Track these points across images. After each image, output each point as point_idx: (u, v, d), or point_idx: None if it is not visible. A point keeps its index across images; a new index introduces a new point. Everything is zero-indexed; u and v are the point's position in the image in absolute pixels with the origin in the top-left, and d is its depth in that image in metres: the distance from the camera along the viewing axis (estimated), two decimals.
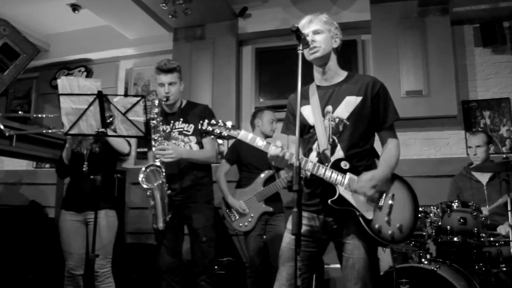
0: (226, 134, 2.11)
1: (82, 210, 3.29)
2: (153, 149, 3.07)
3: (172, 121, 3.29)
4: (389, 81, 4.04)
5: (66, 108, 2.80)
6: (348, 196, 2.12)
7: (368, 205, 2.13)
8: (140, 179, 3.01)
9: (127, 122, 2.84)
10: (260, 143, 2.10)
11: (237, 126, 2.12)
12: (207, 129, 2.12)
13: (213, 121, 2.12)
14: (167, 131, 3.24)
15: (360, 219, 2.10)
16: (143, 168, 3.04)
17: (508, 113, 4.66)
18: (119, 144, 3.33)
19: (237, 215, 3.93)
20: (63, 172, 3.48)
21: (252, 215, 3.89)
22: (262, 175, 3.94)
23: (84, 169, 3.23)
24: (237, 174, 4.15)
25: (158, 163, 3.03)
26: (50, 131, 3.89)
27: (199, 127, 2.15)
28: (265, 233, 3.93)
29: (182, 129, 3.27)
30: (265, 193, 3.89)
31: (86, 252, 3.28)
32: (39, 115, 3.92)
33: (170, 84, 3.21)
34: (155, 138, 3.08)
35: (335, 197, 2.11)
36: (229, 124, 2.13)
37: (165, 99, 3.21)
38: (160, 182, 3.00)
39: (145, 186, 2.99)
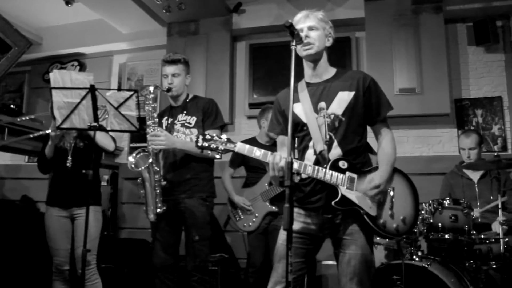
0: (222, 148, 2.10)
1: (68, 206, 3.27)
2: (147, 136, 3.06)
3: (176, 114, 3.27)
4: (382, 78, 4.05)
5: (58, 101, 2.77)
6: (350, 195, 2.12)
7: (371, 201, 2.14)
8: (129, 164, 3.02)
9: (119, 116, 2.83)
10: (258, 153, 2.09)
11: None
12: (203, 145, 2.11)
13: (207, 136, 2.11)
14: (169, 123, 3.22)
15: (365, 217, 2.11)
16: (133, 154, 3.05)
17: (500, 112, 4.69)
18: (103, 141, 3.31)
19: (242, 215, 3.92)
20: (45, 167, 3.45)
21: (256, 214, 3.86)
22: (268, 174, 3.89)
23: (68, 164, 3.22)
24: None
25: (147, 148, 3.03)
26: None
27: (195, 142, 2.14)
28: (268, 233, 3.88)
29: (184, 121, 3.23)
30: (271, 192, 3.85)
31: (72, 248, 3.25)
32: (30, 117, 3.85)
33: (173, 75, 3.21)
34: (149, 124, 3.06)
35: (338, 198, 2.11)
36: (224, 137, 2.12)
37: (166, 89, 3.19)
38: (147, 165, 2.99)
39: (136, 169, 3.00)
